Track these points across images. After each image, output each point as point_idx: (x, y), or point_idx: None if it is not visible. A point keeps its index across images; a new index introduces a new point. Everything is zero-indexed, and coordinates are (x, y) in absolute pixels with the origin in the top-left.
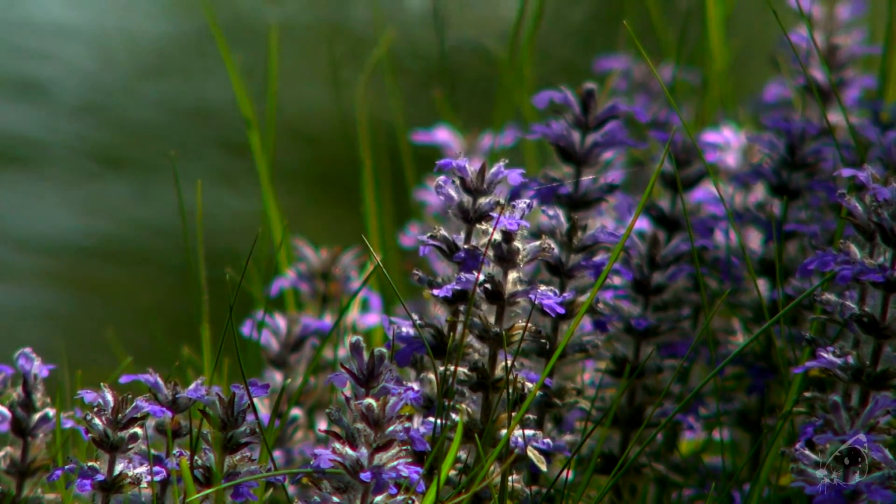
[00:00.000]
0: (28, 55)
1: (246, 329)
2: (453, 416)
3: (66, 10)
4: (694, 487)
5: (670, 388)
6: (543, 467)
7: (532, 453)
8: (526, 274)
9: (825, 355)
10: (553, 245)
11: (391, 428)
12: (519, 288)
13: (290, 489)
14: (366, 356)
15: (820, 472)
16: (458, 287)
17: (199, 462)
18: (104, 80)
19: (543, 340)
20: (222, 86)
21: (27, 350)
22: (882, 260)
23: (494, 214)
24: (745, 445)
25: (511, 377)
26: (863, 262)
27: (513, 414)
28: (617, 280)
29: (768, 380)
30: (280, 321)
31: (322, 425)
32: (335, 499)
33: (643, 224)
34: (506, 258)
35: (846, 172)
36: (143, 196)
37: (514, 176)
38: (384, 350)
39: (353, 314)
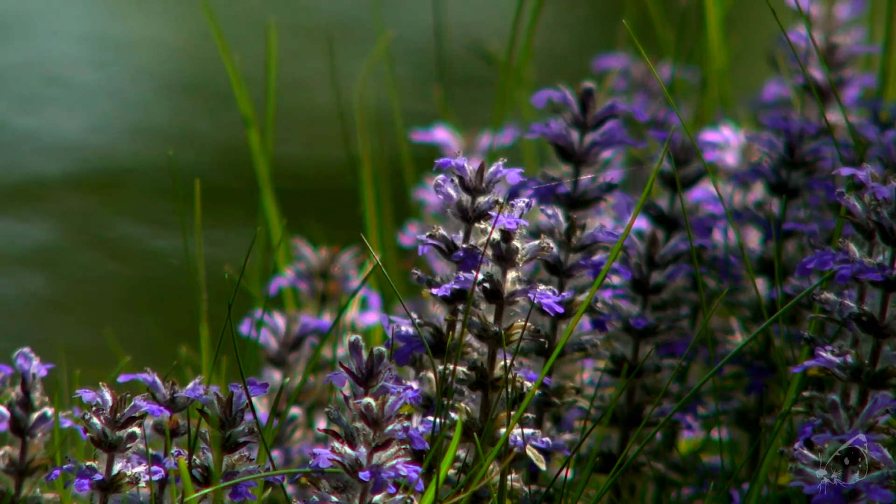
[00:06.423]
0: None
1: (245, 328)
2: (452, 414)
3: None
4: (693, 486)
5: (669, 387)
6: (542, 466)
7: (531, 452)
8: (525, 273)
9: (824, 354)
10: (552, 244)
11: (390, 427)
12: (518, 287)
13: (289, 488)
14: (365, 355)
15: (819, 472)
16: (456, 286)
17: (198, 461)
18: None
19: (542, 339)
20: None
21: (26, 349)
22: (881, 259)
23: (493, 213)
24: (744, 445)
25: (510, 376)
26: (862, 260)
27: (512, 413)
28: (616, 279)
29: (767, 379)
30: (279, 320)
31: (321, 424)
32: (334, 498)
33: (642, 223)
34: (504, 257)
35: (845, 171)
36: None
37: (513, 175)
38: (383, 349)
39: (352, 313)
